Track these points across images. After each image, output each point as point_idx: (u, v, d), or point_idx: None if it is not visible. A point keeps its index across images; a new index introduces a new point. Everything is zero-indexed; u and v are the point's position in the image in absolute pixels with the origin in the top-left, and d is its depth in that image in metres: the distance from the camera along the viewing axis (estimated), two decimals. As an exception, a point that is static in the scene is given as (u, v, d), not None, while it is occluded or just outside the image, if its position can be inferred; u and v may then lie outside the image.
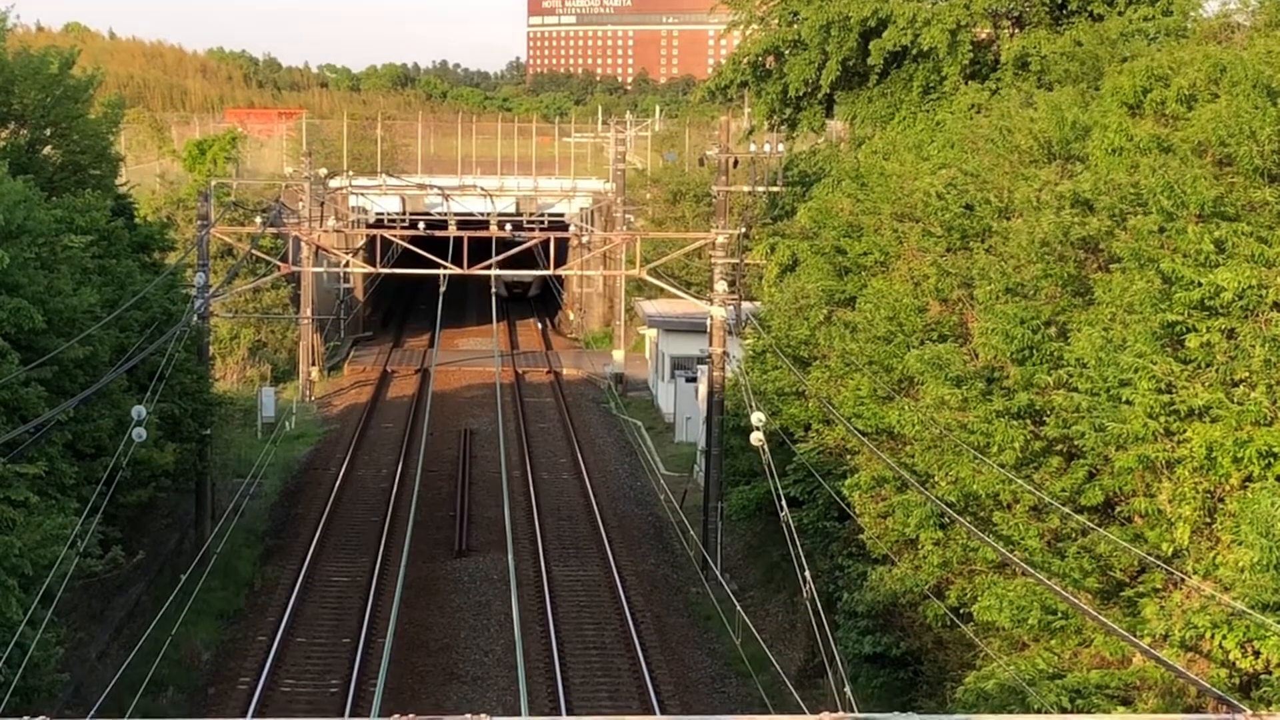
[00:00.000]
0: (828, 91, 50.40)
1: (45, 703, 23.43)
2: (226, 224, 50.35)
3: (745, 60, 53.98)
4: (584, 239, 67.29)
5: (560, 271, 53.67)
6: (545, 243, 41.73)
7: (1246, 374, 18.84)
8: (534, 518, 41.84)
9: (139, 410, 25.14)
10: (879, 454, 24.61)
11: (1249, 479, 18.46)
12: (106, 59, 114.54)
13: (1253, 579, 17.16)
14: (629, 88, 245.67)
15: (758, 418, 28.21)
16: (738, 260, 39.21)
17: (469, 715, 9.56)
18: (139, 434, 24.90)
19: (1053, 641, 20.60)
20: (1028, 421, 22.08)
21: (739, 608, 30.74)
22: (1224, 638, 17.54)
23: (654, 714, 27.41)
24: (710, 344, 37.28)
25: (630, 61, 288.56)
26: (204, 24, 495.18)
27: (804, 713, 23.82)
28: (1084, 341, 20.95)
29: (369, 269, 54.66)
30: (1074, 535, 20.59)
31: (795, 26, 50.98)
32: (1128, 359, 19.70)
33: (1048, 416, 21.87)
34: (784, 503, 26.76)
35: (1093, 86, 33.02)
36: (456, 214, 57.11)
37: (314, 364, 61.37)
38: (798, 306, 33.97)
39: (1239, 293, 18.83)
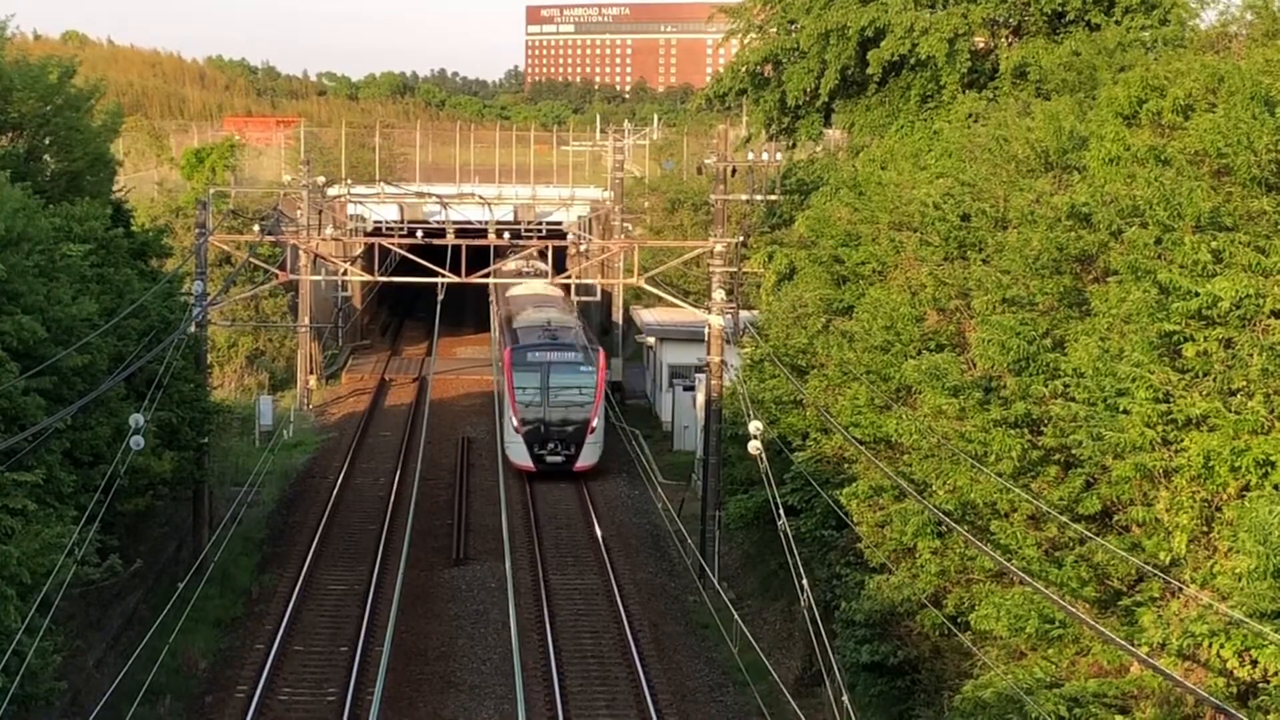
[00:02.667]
0: (826, 100, 50.46)
1: (43, 711, 23.44)
2: (224, 232, 50.37)
3: (743, 69, 54.05)
4: (582, 247, 67.33)
5: (560, 281, 53.67)
6: (544, 250, 41.86)
7: (1244, 383, 18.87)
8: (531, 526, 41.85)
9: (137, 418, 25.14)
10: (876, 463, 24.63)
11: (1246, 488, 18.49)
12: (105, 67, 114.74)
13: (1250, 587, 17.18)
14: (627, 96, 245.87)
15: (755, 427, 28.22)
16: (736, 269, 39.23)
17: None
18: (137, 442, 24.90)
19: (1050, 650, 20.62)
20: (1025, 431, 22.12)
21: (736, 616, 30.74)
22: (1221, 646, 17.56)
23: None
24: (708, 352, 37.30)
25: (629, 70, 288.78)
26: (202, 32, 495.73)
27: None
28: (1081, 351, 20.99)
29: (367, 277, 54.78)
30: (1071, 544, 20.62)
31: (794, 35, 51.04)
32: (1125, 369, 19.73)
33: (1045, 426, 21.90)
34: (781, 511, 26.77)
35: (1090, 96, 33.07)
36: (455, 222, 57.13)
37: (312, 372, 61.36)
38: (795, 315, 34.00)
39: (1236, 302, 18.86)
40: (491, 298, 64.18)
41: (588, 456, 47.32)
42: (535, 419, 47.09)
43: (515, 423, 47.01)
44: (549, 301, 56.64)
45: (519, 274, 63.42)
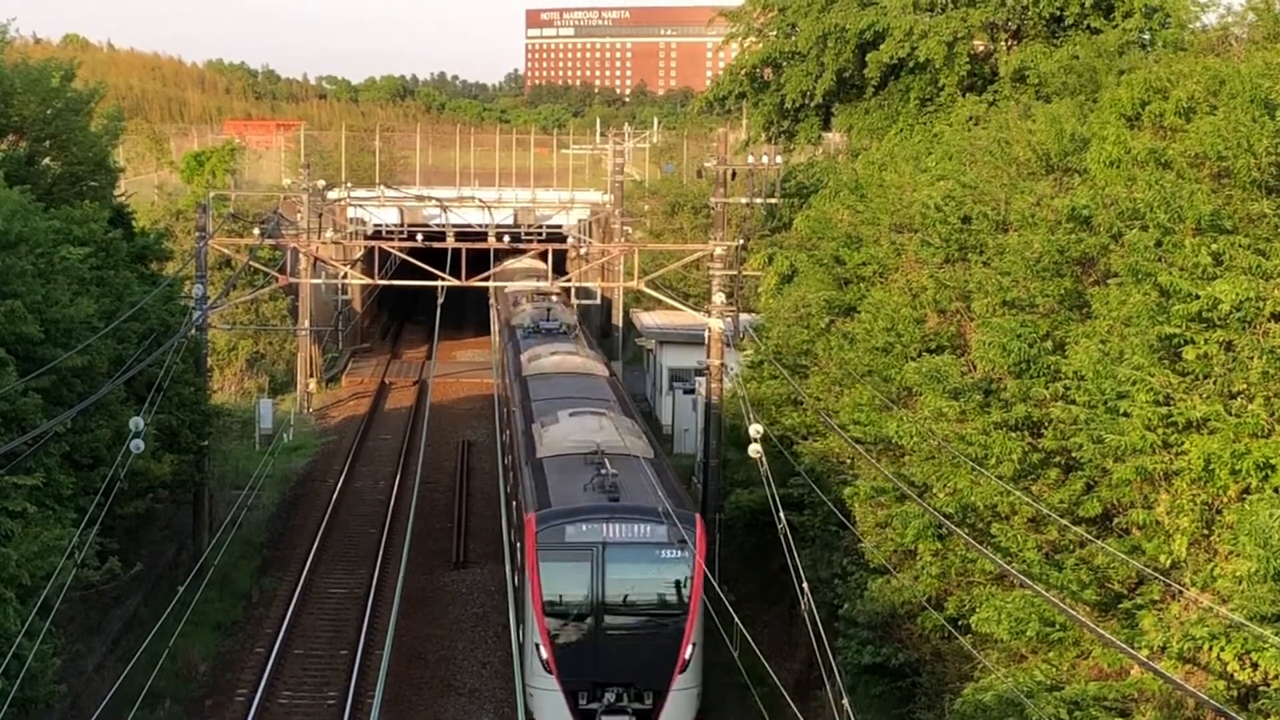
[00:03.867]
0: (821, 101, 50.51)
1: (43, 714, 23.41)
2: (225, 235, 50.35)
3: (743, 71, 54.12)
4: (582, 250, 67.28)
5: (559, 283, 53.60)
6: (544, 254, 41.67)
7: (1244, 386, 18.86)
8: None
9: (137, 421, 25.11)
10: (878, 466, 24.62)
11: (1247, 490, 18.48)
12: (106, 70, 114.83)
13: (1251, 590, 17.17)
14: (627, 99, 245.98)
15: (755, 429, 28.20)
16: (735, 272, 39.21)
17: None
18: (137, 445, 24.87)
19: (1051, 653, 20.61)
20: (1025, 433, 22.12)
21: (736, 619, 30.69)
22: (1222, 649, 17.55)
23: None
24: (708, 355, 37.27)
25: (628, 73, 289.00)
26: (202, 35, 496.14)
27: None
28: (1082, 354, 20.99)
29: (367, 280, 54.76)
30: (1072, 547, 20.62)
31: (793, 39, 51.11)
32: (1125, 371, 19.73)
33: (1045, 428, 21.90)
34: (782, 514, 26.75)
35: (1090, 99, 33.09)
36: (454, 226, 57.05)
37: (312, 375, 61.37)
38: (799, 314, 34.01)
39: (1236, 305, 18.85)
40: (491, 300, 63.80)
41: (676, 714, 26.74)
42: (579, 646, 26.61)
43: (544, 655, 26.40)
44: (592, 392, 36.11)
45: (535, 327, 46.37)
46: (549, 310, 48.91)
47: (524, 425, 33.17)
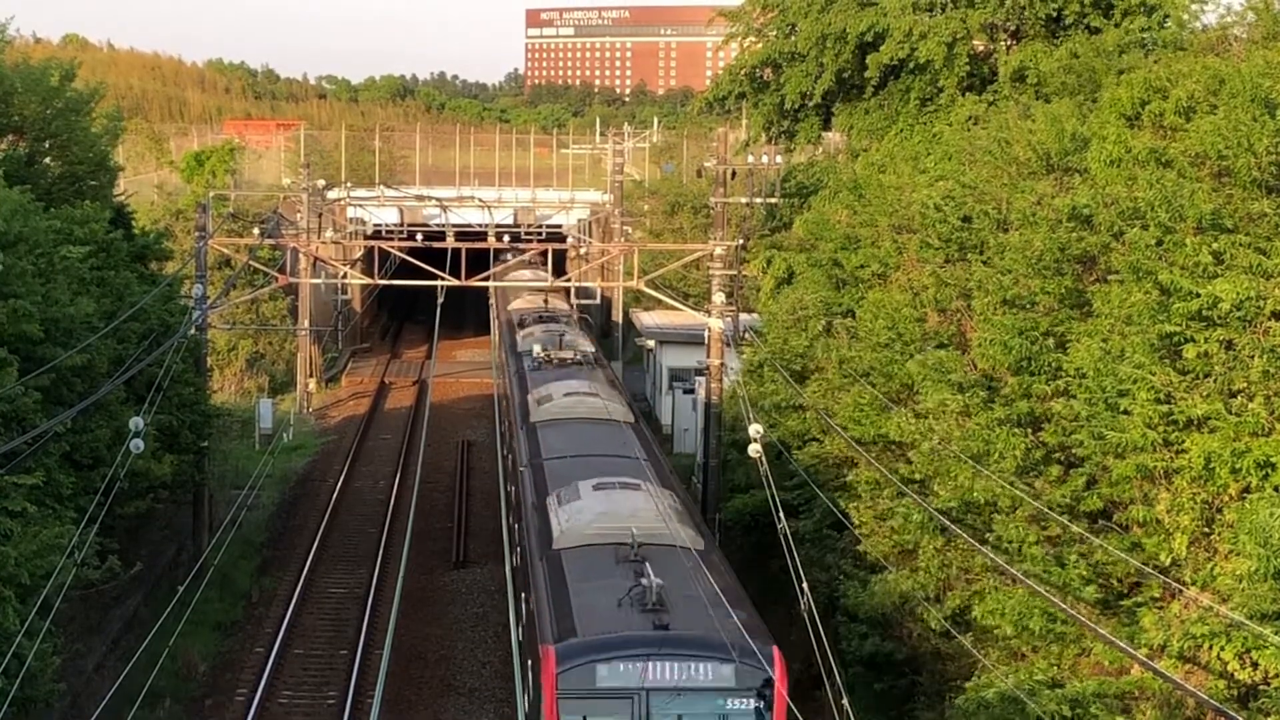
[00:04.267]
0: (821, 102, 50.52)
1: (42, 714, 23.40)
2: (224, 235, 50.33)
3: (742, 71, 54.13)
4: (582, 250, 67.28)
5: (559, 284, 53.45)
6: (544, 254, 41.61)
7: (1244, 384, 18.88)
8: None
9: (137, 421, 25.09)
10: (879, 467, 24.62)
11: (1247, 489, 18.49)
12: (105, 70, 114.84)
13: (1251, 589, 17.18)
14: (627, 99, 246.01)
15: (755, 429, 28.17)
16: (735, 272, 39.18)
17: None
18: (136, 445, 24.85)
19: (1053, 649, 20.63)
20: (1027, 430, 22.14)
21: (736, 620, 30.64)
22: (1222, 648, 17.56)
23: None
24: (708, 355, 37.25)
25: (628, 73, 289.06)
26: (202, 35, 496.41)
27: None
28: (1083, 352, 21.01)
29: (367, 280, 54.77)
30: (1074, 543, 20.64)
31: (792, 39, 51.14)
32: (1126, 369, 19.74)
33: (1047, 425, 21.93)
34: (781, 515, 26.73)
35: (1090, 99, 33.10)
36: (454, 225, 57.02)
37: (312, 375, 61.34)
38: (796, 317, 34.01)
39: (1237, 303, 18.87)
40: (491, 301, 63.78)
41: None
42: None
43: None
44: (618, 448, 29.14)
45: (546, 357, 39.03)
46: (561, 336, 41.61)
47: (535, 497, 26.35)
